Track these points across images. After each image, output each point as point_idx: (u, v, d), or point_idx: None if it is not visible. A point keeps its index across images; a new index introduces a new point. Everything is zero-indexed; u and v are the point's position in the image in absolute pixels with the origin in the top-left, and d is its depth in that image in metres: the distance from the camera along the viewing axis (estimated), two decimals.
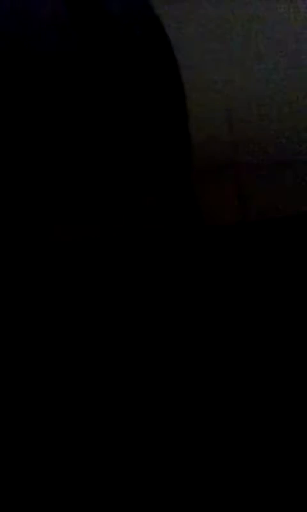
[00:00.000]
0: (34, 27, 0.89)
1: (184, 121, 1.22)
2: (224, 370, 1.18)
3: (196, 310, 1.18)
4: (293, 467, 1.11)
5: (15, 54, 0.86)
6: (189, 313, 1.16)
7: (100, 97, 0.95)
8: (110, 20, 0.96)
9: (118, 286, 1.06)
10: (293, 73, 2.53)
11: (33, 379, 1.00)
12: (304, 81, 2.52)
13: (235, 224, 1.78)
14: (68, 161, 0.94)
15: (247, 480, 1.08)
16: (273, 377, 1.19)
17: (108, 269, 1.05)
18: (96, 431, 1.01)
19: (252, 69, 2.51)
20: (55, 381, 1.01)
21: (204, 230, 1.24)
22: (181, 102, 1.21)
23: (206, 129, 1.62)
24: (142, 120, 1.05)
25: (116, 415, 1.03)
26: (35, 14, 0.89)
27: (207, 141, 1.61)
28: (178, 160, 1.18)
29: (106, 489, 1.01)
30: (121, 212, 1.03)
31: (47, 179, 0.95)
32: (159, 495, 1.04)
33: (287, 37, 2.47)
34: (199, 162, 1.56)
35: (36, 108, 0.89)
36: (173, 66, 1.16)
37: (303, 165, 2.48)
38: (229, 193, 1.93)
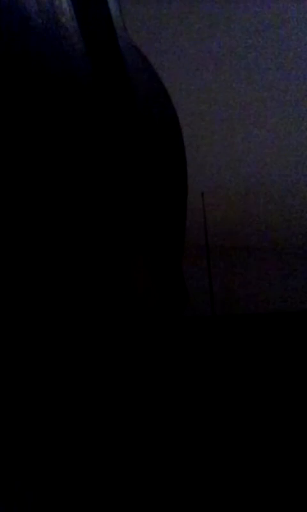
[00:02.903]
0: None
1: (183, 206, 1.29)
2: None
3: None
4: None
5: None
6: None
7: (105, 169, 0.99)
8: (134, 100, 1.01)
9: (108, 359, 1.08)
10: (266, 158, 2.67)
11: None
12: (275, 166, 2.66)
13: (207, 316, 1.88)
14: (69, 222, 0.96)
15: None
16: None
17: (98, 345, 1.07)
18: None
19: (225, 153, 2.63)
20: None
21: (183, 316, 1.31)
22: (183, 190, 1.28)
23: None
24: (144, 196, 1.10)
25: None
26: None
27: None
28: (173, 238, 1.22)
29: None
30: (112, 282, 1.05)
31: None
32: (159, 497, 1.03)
33: (255, 123, 2.62)
34: None
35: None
36: (180, 153, 1.25)
37: (272, 252, 2.56)
38: (201, 275, 1.96)
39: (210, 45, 2.32)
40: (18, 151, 0.83)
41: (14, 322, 0.94)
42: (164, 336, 1.12)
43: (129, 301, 1.06)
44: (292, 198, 2.42)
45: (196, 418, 1.26)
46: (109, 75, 0.99)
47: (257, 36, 2.31)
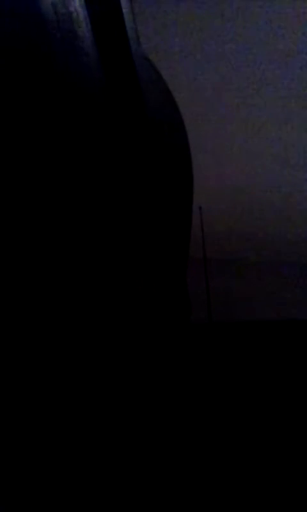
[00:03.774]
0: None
1: (189, 220, 1.30)
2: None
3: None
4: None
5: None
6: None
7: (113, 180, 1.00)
8: (145, 113, 1.03)
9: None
10: (261, 172, 2.70)
11: None
12: (270, 179, 2.68)
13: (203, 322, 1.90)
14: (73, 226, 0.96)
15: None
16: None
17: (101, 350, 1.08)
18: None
19: (224, 169, 2.65)
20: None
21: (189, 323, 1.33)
22: (188, 203, 1.30)
23: None
24: (150, 210, 1.11)
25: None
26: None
27: None
28: (176, 251, 1.23)
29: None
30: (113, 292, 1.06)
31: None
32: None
33: (252, 139, 2.63)
34: None
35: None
36: (188, 167, 1.26)
37: (270, 265, 2.57)
38: (199, 289, 1.97)
39: (213, 55, 2.33)
40: (29, 155, 0.83)
41: (13, 330, 0.93)
42: (166, 347, 1.12)
43: (131, 312, 1.06)
44: (291, 211, 2.43)
45: (194, 424, 1.26)
46: (121, 86, 1.00)
47: (261, 47, 2.33)
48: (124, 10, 0.99)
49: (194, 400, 1.32)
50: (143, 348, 1.02)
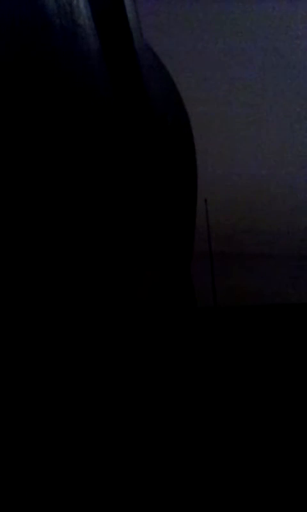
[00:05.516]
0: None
1: (193, 210, 1.30)
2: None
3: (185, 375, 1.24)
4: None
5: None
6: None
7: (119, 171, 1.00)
8: (148, 103, 1.02)
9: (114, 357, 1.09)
10: (265, 167, 2.69)
11: None
12: (276, 173, 2.68)
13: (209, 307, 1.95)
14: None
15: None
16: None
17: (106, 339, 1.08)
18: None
19: (229, 162, 2.65)
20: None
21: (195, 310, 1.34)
22: (193, 197, 1.30)
23: None
24: (155, 200, 1.10)
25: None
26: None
27: None
28: (182, 242, 1.23)
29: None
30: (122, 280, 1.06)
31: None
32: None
33: (258, 133, 2.63)
34: None
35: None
36: (192, 158, 1.26)
37: (276, 258, 2.57)
38: (203, 279, 1.97)
39: (216, 50, 2.32)
40: (28, 149, 0.83)
41: (15, 322, 0.93)
42: (170, 342, 1.12)
43: (135, 306, 1.06)
44: (296, 204, 2.42)
45: (197, 411, 1.26)
46: (123, 74, 0.99)
47: (263, 40, 2.32)
48: None
49: (200, 380, 1.34)
50: (149, 333, 1.02)
